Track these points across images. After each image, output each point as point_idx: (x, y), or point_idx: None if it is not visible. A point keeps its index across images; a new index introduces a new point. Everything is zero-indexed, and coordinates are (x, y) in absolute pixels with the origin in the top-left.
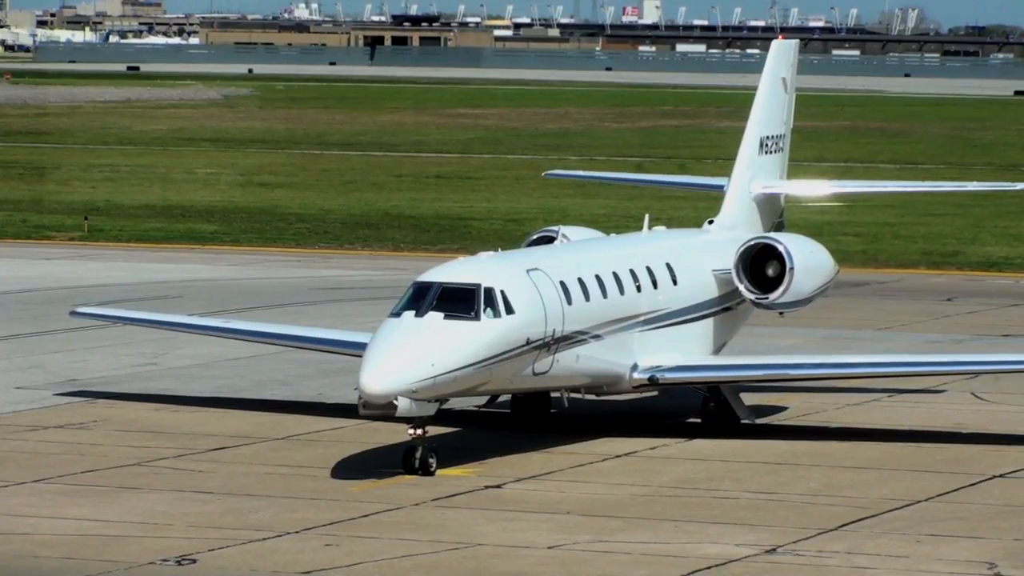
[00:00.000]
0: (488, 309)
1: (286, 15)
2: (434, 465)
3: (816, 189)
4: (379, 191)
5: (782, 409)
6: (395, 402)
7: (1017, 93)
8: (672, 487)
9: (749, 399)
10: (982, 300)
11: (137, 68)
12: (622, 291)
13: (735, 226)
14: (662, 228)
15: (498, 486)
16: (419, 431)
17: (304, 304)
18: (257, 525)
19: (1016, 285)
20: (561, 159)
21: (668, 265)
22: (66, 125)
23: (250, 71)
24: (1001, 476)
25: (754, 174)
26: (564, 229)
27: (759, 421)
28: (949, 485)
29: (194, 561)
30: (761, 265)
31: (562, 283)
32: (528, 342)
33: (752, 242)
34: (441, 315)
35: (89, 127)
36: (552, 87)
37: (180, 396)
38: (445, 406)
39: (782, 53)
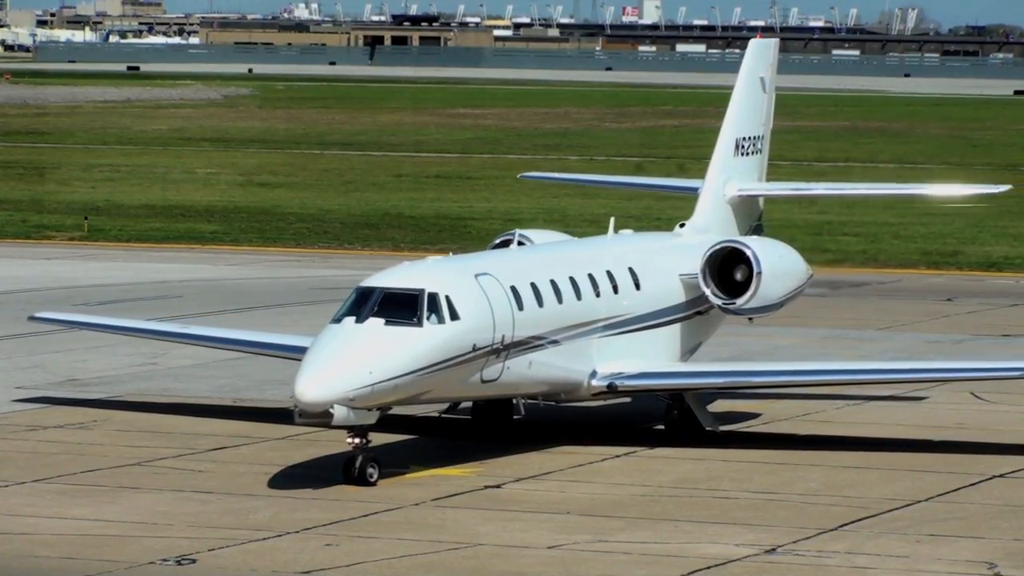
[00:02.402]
0: (432, 315)
1: (286, 15)
2: (375, 476)
3: (796, 192)
4: (379, 191)
5: (768, 414)
6: (331, 410)
7: (1017, 93)
8: (672, 487)
9: (750, 404)
10: (982, 300)
11: (137, 68)
12: (579, 296)
13: (708, 229)
14: (629, 232)
15: (498, 486)
16: (358, 440)
17: (303, 304)
18: (257, 525)
19: (1016, 285)
20: (561, 159)
21: (631, 269)
22: (66, 125)
23: (250, 71)
24: (1001, 476)
25: (729, 176)
26: (529, 232)
27: (723, 428)
28: (949, 485)
29: (194, 561)
30: (730, 269)
31: (513, 288)
32: (475, 348)
33: (719, 246)
34: (382, 321)
35: (89, 127)
36: (552, 87)
37: (180, 396)
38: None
39: (760, 53)
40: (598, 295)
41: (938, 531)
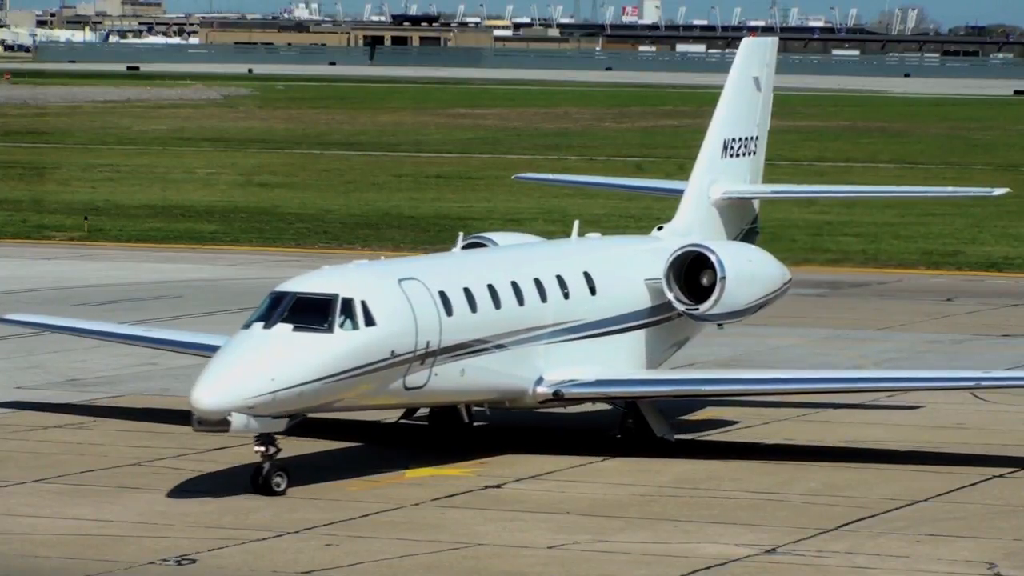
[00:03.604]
0: (345, 320)
1: (286, 15)
2: (282, 485)
3: (785, 194)
4: (379, 191)
5: (774, 420)
6: (229, 418)
7: (1017, 93)
8: (672, 487)
9: (756, 411)
10: (982, 300)
11: (137, 68)
12: (521, 301)
13: (690, 232)
14: (595, 235)
15: (498, 486)
16: (264, 448)
17: None
18: (257, 525)
19: (1016, 285)
20: (561, 159)
21: (586, 274)
22: (66, 125)
23: (250, 71)
24: (1001, 476)
25: (715, 178)
26: (497, 235)
27: (679, 437)
28: (949, 485)
29: (194, 561)
30: (696, 274)
31: (442, 293)
32: (393, 355)
33: (683, 250)
34: (290, 327)
35: (89, 127)
36: (552, 87)
37: (179, 396)
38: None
39: (754, 52)
40: (544, 300)
41: (938, 531)
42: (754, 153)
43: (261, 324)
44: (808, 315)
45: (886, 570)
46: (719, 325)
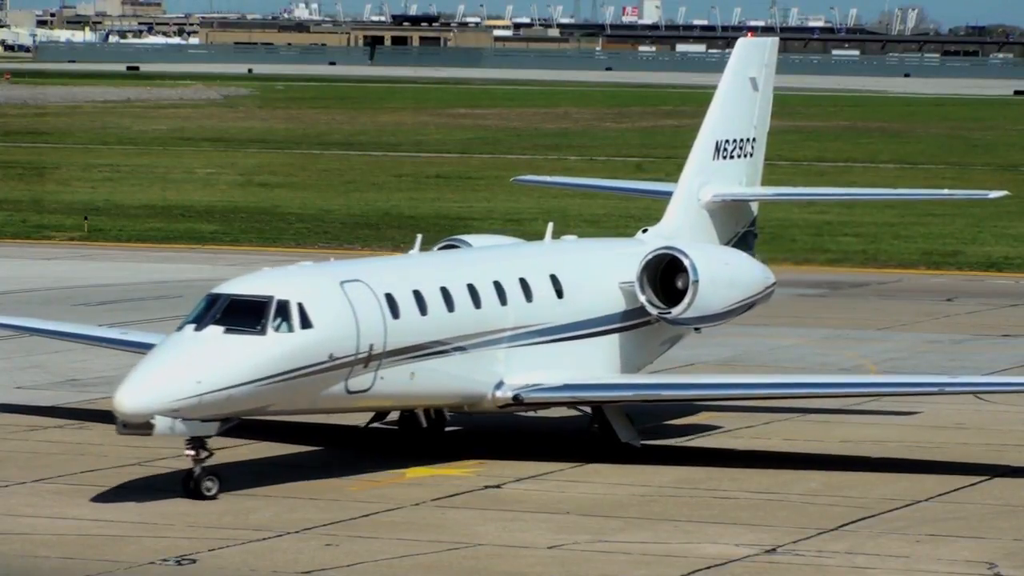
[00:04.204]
0: (280, 323)
1: (286, 15)
2: (213, 489)
3: (778, 196)
4: (379, 191)
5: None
6: (152, 421)
7: (1017, 93)
8: (672, 487)
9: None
10: (982, 300)
11: (137, 68)
12: (478, 304)
13: (677, 235)
14: (571, 237)
15: (498, 486)
16: (195, 452)
17: None
18: (257, 525)
19: (1016, 285)
20: (561, 159)
21: (553, 277)
22: (66, 125)
23: (250, 71)
24: (1001, 476)
25: (706, 180)
26: (471, 237)
27: (644, 443)
28: (949, 485)
29: (194, 561)
30: (672, 278)
31: (388, 295)
32: (332, 358)
33: (656, 253)
34: (221, 329)
35: (89, 127)
36: (552, 87)
37: None
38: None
39: (750, 52)
40: (504, 303)
41: (938, 531)
42: (751, 155)
43: (193, 326)
44: (808, 315)
45: (886, 570)
46: (696, 329)
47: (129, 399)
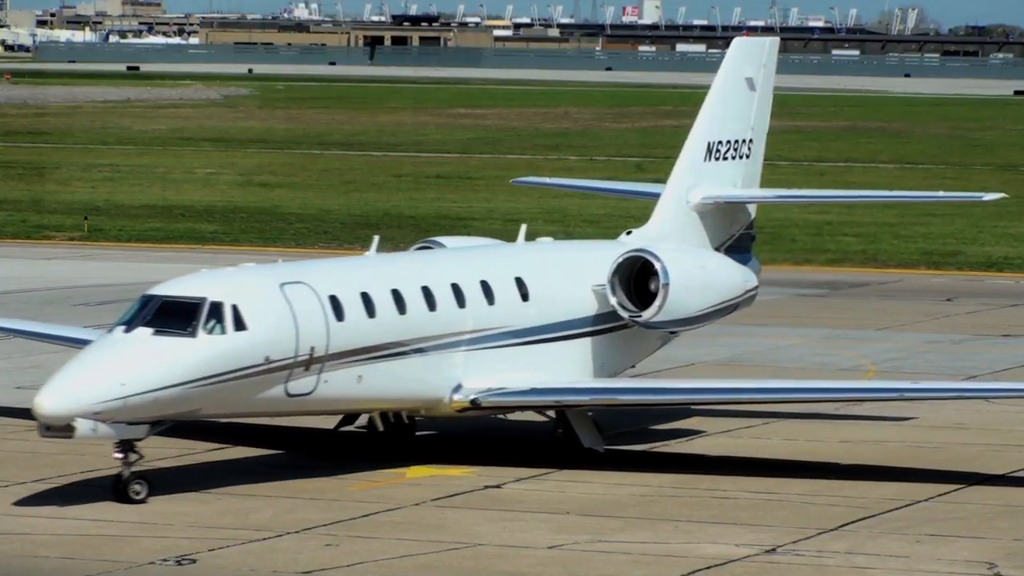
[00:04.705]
0: (212, 325)
1: (286, 15)
2: (142, 493)
3: (770, 198)
4: (379, 191)
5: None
6: (73, 424)
7: (1017, 93)
8: (672, 487)
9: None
10: (982, 300)
11: (137, 68)
12: (432, 307)
13: (664, 238)
14: (547, 239)
15: (498, 486)
16: (124, 455)
17: None
18: (257, 525)
19: (1016, 285)
20: (561, 159)
21: (518, 280)
22: (66, 125)
23: (250, 71)
24: (1001, 476)
25: (696, 182)
26: (447, 239)
27: (608, 447)
28: (949, 485)
29: (194, 561)
30: (646, 280)
31: (333, 298)
32: (268, 360)
33: (628, 256)
34: (150, 331)
35: (89, 127)
36: (552, 87)
37: None
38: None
39: (746, 52)
40: (462, 306)
41: (938, 531)
42: (747, 156)
43: (123, 328)
44: (808, 315)
45: (886, 570)
46: (672, 333)
47: (49, 401)
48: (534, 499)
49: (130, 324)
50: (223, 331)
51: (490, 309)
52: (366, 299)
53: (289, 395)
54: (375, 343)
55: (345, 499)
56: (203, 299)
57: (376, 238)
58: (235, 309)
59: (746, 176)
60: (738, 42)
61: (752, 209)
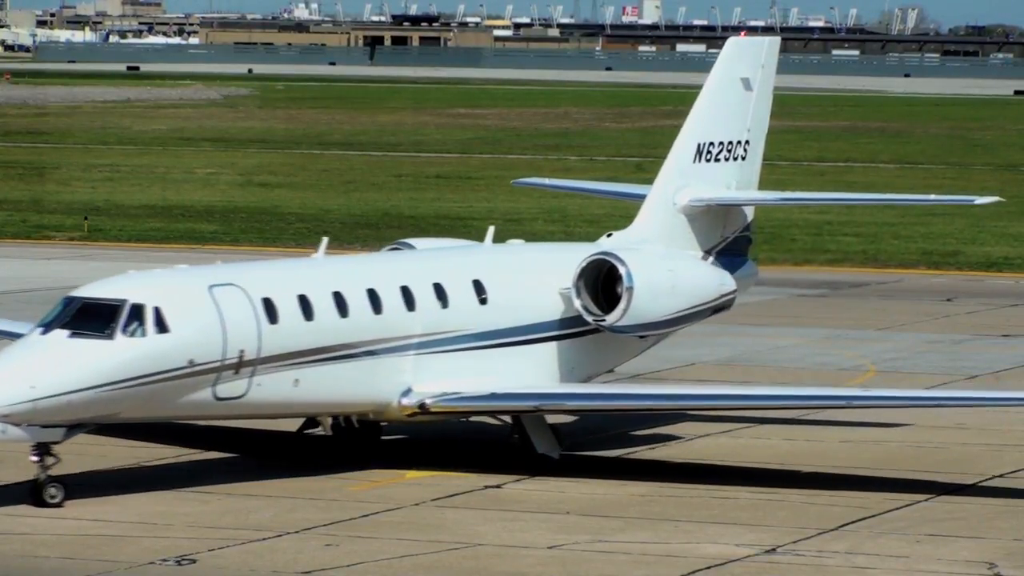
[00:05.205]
0: (132, 327)
1: (286, 15)
2: (59, 497)
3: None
4: (379, 191)
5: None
6: None
7: (1017, 93)
8: (672, 487)
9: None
10: (982, 300)
11: (137, 68)
12: (378, 310)
13: (649, 241)
14: (518, 241)
15: (498, 486)
16: (39, 458)
17: None
18: (257, 525)
19: (1016, 285)
20: (561, 159)
21: (476, 283)
22: (66, 125)
23: (250, 71)
24: (1001, 476)
25: (685, 184)
26: (417, 240)
27: (564, 453)
28: (949, 485)
29: (194, 561)
30: (615, 284)
31: (266, 300)
32: (192, 363)
33: (593, 259)
34: (67, 333)
35: (89, 127)
36: (552, 87)
37: None
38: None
39: (742, 52)
40: (412, 309)
41: (938, 531)
42: (743, 158)
43: (40, 330)
44: (808, 315)
45: (886, 570)
46: (640, 337)
47: None
48: (534, 499)
49: (48, 326)
50: (143, 333)
51: (443, 312)
52: (303, 302)
53: (218, 398)
54: (313, 346)
55: (345, 499)
56: (124, 301)
57: (325, 239)
58: (157, 311)
59: (742, 178)
60: (733, 42)
61: (749, 211)
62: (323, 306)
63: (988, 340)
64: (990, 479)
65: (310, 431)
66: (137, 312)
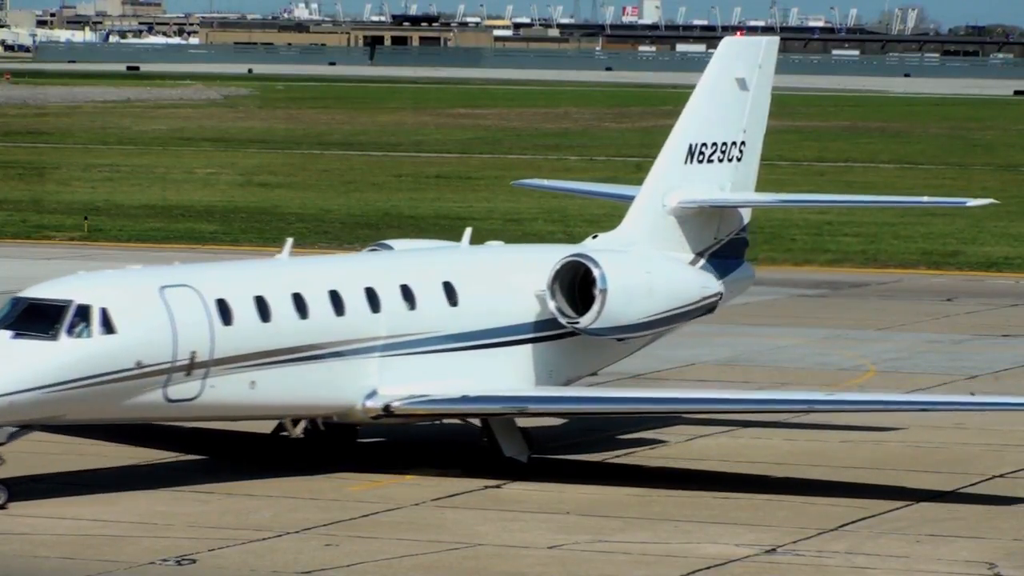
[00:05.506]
0: (78, 328)
1: (286, 15)
2: (2, 500)
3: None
4: (379, 191)
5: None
6: None
7: (1017, 93)
8: (672, 488)
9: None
10: (982, 300)
11: (137, 68)
12: (340, 311)
13: (636, 243)
14: (496, 243)
15: (498, 486)
16: None
17: None
18: (257, 525)
19: (1016, 285)
20: (561, 159)
21: (447, 284)
22: (66, 125)
23: (250, 71)
24: (1001, 476)
25: (675, 185)
26: (394, 242)
27: (535, 456)
28: (949, 485)
29: (194, 561)
30: (589, 286)
31: (220, 301)
32: (139, 365)
33: (566, 261)
34: (10, 334)
35: (89, 127)
36: (552, 87)
37: None
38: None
39: (737, 52)
40: (376, 311)
41: (938, 531)
42: (738, 159)
43: None
44: (808, 315)
45: (886, 570)
46: (619, 340)
47: None
48: (534, 499)
49: None
50: (89, 334)
51: (410, 314)
52: (260, 303)
53: (170, 400)
54: (270, 348)
55: (345, 499)
56: (69, 302)
57: (289, 240)
58: (104, 312)
59: (737, 179)
60: (728, 42)
61: (746, 213)
62: (281, 307)
63: (988, 340)
64: (990, 479)
65: (285, 433)
66: (83, 313)
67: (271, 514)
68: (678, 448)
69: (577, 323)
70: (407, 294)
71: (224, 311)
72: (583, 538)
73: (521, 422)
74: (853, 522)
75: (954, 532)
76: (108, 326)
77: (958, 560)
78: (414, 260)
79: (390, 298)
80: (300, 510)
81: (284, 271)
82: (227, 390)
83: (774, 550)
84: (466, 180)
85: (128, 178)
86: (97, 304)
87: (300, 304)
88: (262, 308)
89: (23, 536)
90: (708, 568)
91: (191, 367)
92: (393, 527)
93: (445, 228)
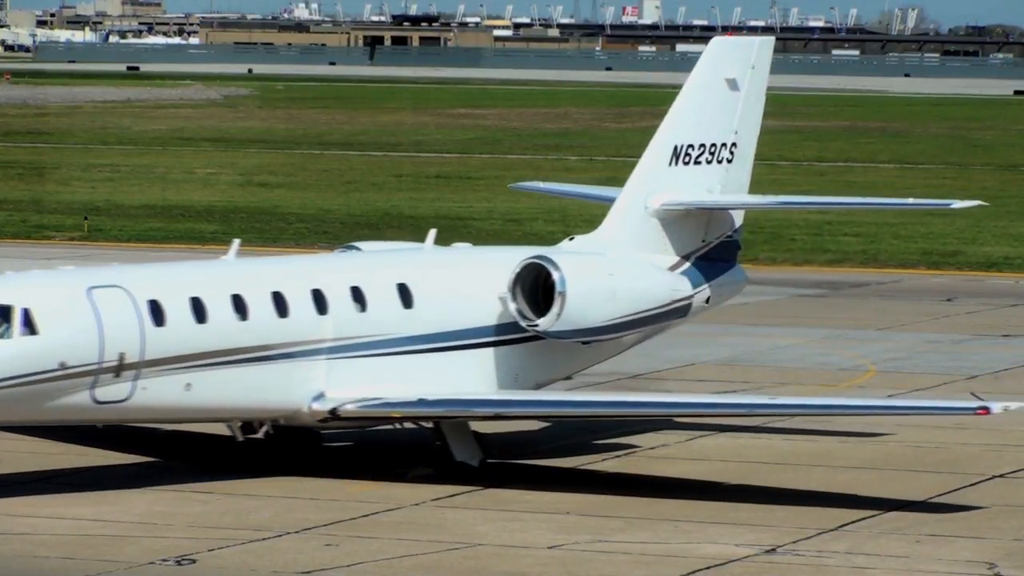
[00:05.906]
0: (0, 329)
1: (286, 15)
2: None
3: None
4: (379, 191)
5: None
6: None
7: (1017, 93)
8: (671, 487)
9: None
10: (982, 300)
11: (137, 68)
12: (283, 313)
13: (617, 245)
14: (464, 244)
15: (498, 486)
16: None
17: None
18: (257, 525)
19: (1016, 285)
20: (561, 159)
21: (402, 286)
22: (66, 125)
23: (250, 71)
24: (1001, 476)
25: (658, 187)
26: (365, 244)
27: (489, 461)
28: (949, 485)
29: (194, 561)
30: (552, 289)
31: (153, 302)
32: (63, 366)
33: (527, 263)
34: None
35: (89, 127)
36: (552, 87)
37: None
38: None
39: (726, 52)
40: (324, 312)
41: (938, 531)
42: (728, 161)
43: None
44: (808, 315)
45: (886, 570)
46: (584, 343)
47: None
48: (534, 499)
49: None
50: (9, 335)
51: (361, 316)
52: (196, 304)
53: (98, 402)
54: (205, 350)
55: (345, 499)
56: None
57: (236, 241)
58: (26, 312)
59: (727, 181)
60: (717, 42)
61: (738, 216)
62: (219, 309)
63: (988, 340)
64: (990, 479)
65: (252, 436)
66: (4, 313)
67: (271, 514)
68: (678, 448)
69: (536, 325)
70: (357, 296)
71: (156, 312)
72: (583, 538)
73: (476, 426)
74: (853, 522)
75: (954, 532)
76: (30, 327)
77: (958, 560)
78: (367, 262)
79: (338, 300)
80: (300, 510)
81: (225, 272)
82: (160, 392)
83: (774, 550)
84: (466, 180)
85: (128, 178)
86: (19, 304)
87: (240, 305)
88: (198, 309)
89: (23, 536)
90: (708, 568)
91: (120, 368)
92: (393, 527)
93: (445, 228)
